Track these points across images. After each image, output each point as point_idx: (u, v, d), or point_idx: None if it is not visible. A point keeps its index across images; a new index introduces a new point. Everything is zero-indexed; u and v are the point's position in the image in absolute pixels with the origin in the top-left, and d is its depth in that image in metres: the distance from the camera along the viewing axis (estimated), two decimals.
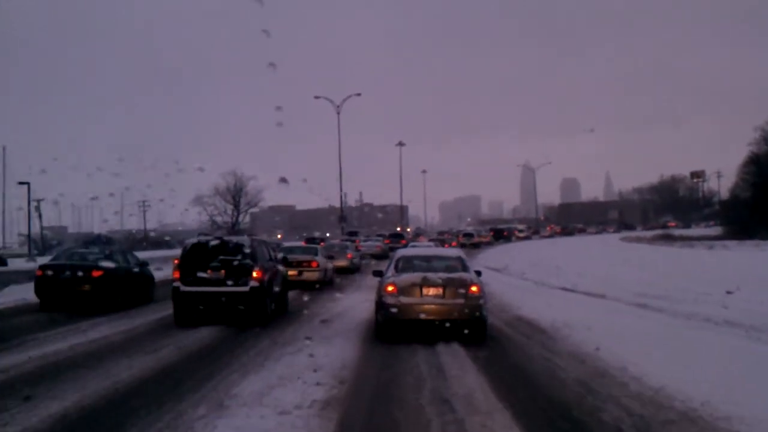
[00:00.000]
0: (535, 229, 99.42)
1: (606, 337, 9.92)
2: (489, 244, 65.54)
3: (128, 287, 16.10)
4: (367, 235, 49.88)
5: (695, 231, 72.66)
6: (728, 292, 16.74)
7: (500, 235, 75.79)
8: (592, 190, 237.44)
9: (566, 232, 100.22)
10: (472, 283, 10.60)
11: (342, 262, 27.20)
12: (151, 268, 18.60)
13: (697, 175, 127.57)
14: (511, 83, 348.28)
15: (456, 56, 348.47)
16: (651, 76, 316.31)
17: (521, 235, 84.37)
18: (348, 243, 32.98)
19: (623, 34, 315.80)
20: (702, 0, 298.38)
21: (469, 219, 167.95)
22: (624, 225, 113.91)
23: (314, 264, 21.03)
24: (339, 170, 52.35)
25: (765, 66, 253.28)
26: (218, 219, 59.59)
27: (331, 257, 24.68)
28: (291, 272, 18.70)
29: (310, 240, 35.13)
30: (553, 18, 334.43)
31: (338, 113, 50.94)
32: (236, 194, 60.54)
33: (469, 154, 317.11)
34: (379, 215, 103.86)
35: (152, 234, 70.20)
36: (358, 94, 52.90)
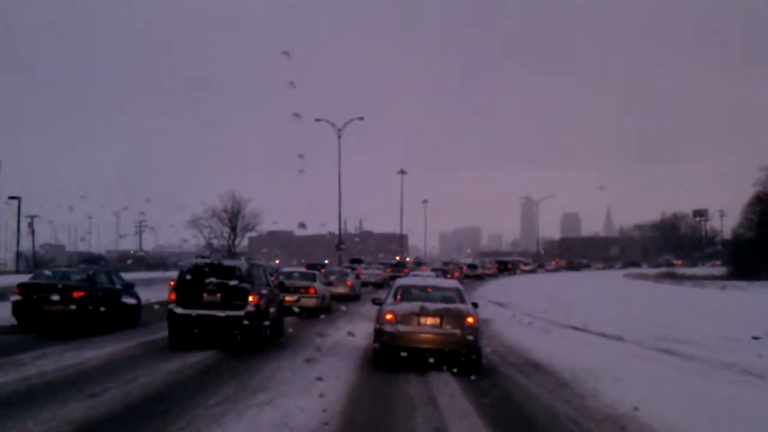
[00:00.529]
0: (540, 262, 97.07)
1: (641, 393, 8.44)
2: (493, 275, 64.34)
3: (110, 310, 15.00)
4: (369, 263, 49.14)
5: (700, 270, 71.22)
6: (755, 338, 15.51)
7: (505, 267, 75.16)
8: (592, 226, 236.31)
9: (572, 266, 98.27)
10: (469, 314, 10.86)
11: (342, 289, 26.98)
12: (139, 289, 17.58)
13: (700, 213, 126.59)
14: (513, 117, 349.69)
15: (460, 88, 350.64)
16: (655, 113, 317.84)
17: (526, 268, 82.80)
18: (348, 270, 32.83)
19: (628, 70, 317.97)
20: (704, 40, 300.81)
21: (468, 250, 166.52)
22: (630, 262, 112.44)
23: (312, 290, 20.58)
24: (338, 196, 50.98)
25: None
26: (214, 242, 58.31)
27: (329, 284, 24.45)
28: (288, 298, 18.62)
29: (311, 266, 34.11)
30: (555, 53, 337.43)
31: (339, 137, 49.78)
32: (233, 217, 59.34)
33: (470, 186, 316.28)
34: (372, 248, 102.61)
35: (142, 253, 68.83)
36: (361, 118, 51.03)
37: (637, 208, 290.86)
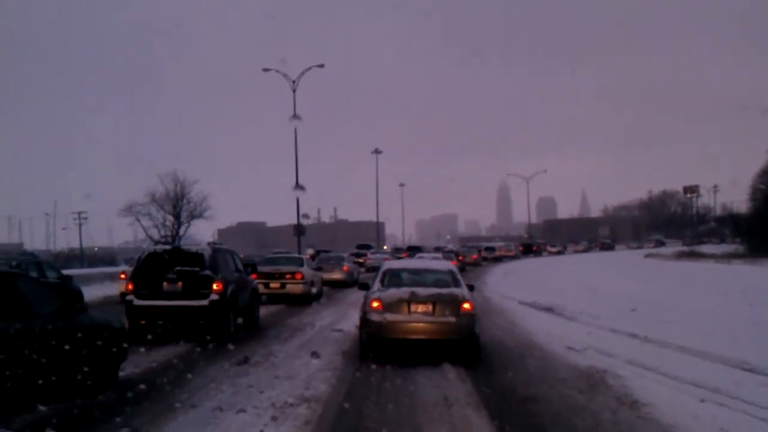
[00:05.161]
0: (563, 244, 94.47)
1: None
2: (514, 257, 62.81)
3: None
4: (378, 249, 48.47)
5: (719, 248, 64.45)
6: None
7: (529, 249, 75.00)
8: (567, 209, 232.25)
9: (605, 246, 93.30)
10: (465, 300, 9.81)
11: (337, 275, 26.14)
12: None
13: (691, 190, 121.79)
14: (489, 101, 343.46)
15: (436, 75, 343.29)
16: (628, 98, 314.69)
17: (553, 249, 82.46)
18: (344, 255, 31.54)
19: (606, 49, 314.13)
20: (690, 14, 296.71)
21: (449, 236, 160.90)
22: (658, 241, 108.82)
23: (299, 276, 19.30)
24: (295, 165, 39.24)
25: (746, 83, 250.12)
26: (154, 232, 48.83)
27: (319, 269, 23.40)
28: (273, 285, 18.64)
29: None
30: (537, 34, 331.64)
31: (294, 90, 39.72)
32: (177, 202, 49.50)
33: (443, 173, 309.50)
34: (347, 237, 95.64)
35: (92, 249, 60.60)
36: (321, 65, 41.25)
37: (612, 190, 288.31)
